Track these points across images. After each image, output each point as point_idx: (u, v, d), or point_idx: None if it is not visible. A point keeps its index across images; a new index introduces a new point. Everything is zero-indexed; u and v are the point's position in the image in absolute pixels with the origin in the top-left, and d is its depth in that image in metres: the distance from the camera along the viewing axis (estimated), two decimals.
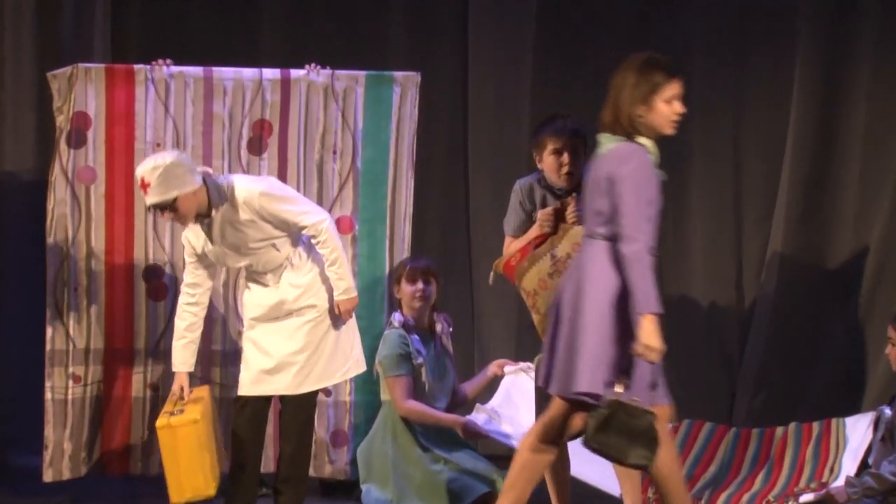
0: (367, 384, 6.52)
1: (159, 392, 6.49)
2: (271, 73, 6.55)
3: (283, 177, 6.50)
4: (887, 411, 6.03)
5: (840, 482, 6.13)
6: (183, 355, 5.95)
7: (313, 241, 5.93)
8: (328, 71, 6.47)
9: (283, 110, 6.55)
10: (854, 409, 6.97)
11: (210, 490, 5.82)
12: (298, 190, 6.40)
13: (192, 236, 5.90)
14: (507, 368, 6.65)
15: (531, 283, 5.47)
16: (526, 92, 7.60)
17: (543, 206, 5.58)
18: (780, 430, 6.70)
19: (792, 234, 7.48)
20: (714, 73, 7.54)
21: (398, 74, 6.62)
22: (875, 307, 7.37)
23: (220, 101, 6.50)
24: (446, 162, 7.72)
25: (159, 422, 5.78)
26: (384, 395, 6.39)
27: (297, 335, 5.93)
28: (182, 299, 5.94)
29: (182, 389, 5.94)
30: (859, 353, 7.39)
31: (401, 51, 7.56)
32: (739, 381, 7.53)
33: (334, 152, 6.59)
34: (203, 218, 5.82)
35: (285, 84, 6.55)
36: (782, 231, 7.48)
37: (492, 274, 5.62)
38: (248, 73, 6.53)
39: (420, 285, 6.38)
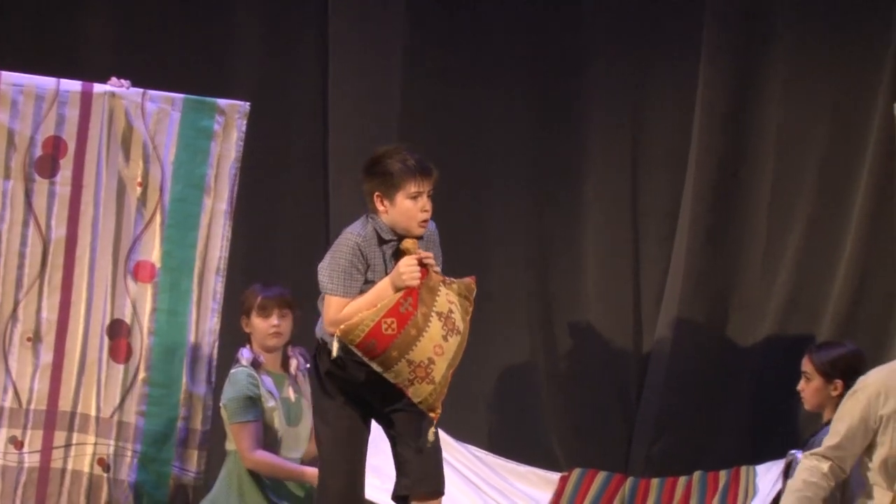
0: (154, 462, 6.15)
1: None
2: (70, 85, 6.15)
3: (75, 207, 6.08)
4: (799, 456, 5.76)
5: None
6: None
7: None
8: (138, 90, 6.12)
9: (82, 128, 6.14)
10: (767, 454, 6.72)
11: None
12: (94, 225, 6.05)
13: None
14: None
15: (424, 353, 4.94)
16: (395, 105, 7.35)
17: (392, 261, 5.08)
18: (682, 480, 6.64)
19: (695, 256, 7.21)
20: (610, 71, 7.32)
21: (222, 102, 6.23)
22: (788, 340, 7.12)
23: (6, 110, 6.09)
24: (303, 175, 7.47)
25: None
26: (230, 445, 6.05)
27: None
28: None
29: None
30: (771, 393, 7.15)
31: (252, 63, 7.35)
32: (637, 425, 7.29)
33: (139, 185, 6.20)
34: None
35: (86, 98, 6.13)
36: (684, 252, 7.21)
37: (336, 346, 5.00)
38: (43, 81, 6.14)
39: (275, 320, 6.04)
